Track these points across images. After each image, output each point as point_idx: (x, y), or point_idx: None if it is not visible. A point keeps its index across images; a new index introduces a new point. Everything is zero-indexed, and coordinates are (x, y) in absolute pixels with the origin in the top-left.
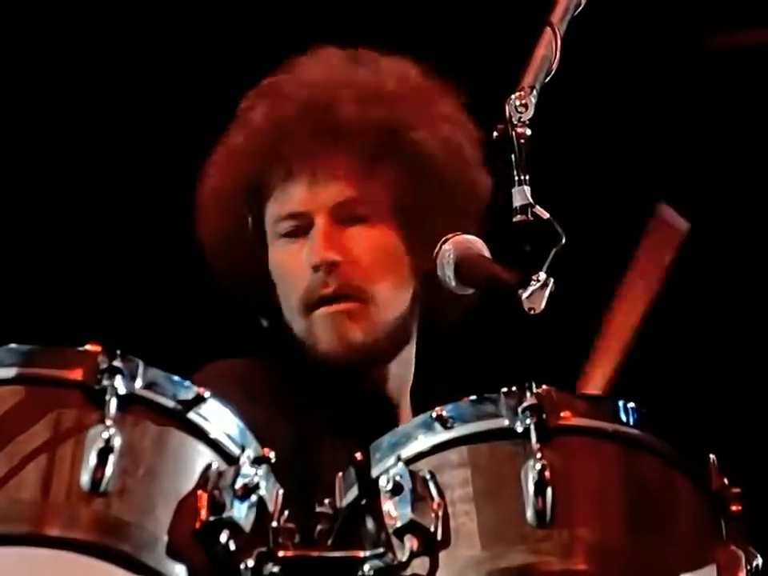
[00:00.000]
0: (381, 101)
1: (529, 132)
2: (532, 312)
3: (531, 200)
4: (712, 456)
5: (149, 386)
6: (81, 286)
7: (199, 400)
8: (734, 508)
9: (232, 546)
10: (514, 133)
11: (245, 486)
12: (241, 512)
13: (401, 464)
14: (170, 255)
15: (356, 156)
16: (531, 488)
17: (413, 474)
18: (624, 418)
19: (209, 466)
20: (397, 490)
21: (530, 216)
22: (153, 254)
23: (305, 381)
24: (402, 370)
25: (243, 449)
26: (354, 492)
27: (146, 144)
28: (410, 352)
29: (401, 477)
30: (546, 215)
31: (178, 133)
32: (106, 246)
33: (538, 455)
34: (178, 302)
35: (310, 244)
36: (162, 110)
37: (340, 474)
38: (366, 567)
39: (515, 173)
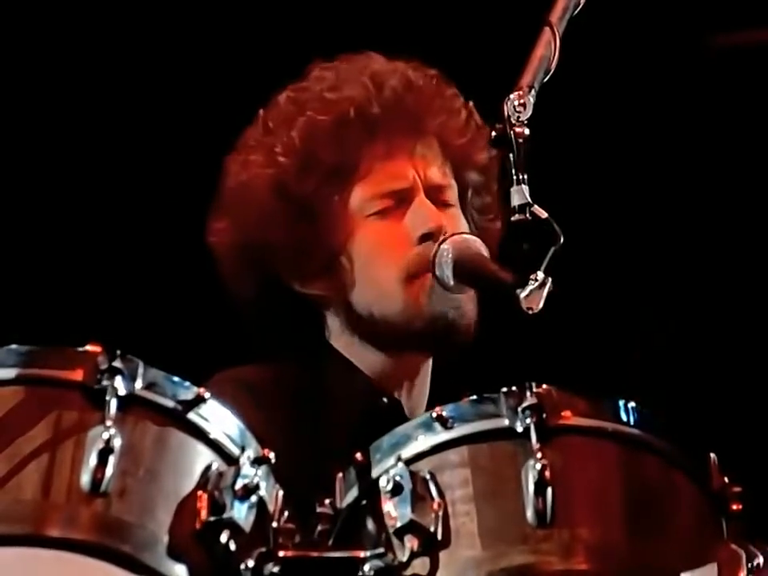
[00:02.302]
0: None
1: (527, 131)
2: (530, 311)
3: (530, 199)
4: (712, 455)
5: (149, 386)
6: (81, 287)
7: (199, 400)
8: (734, 507)
9: (232, 547)
10: (512, 132)
11: (245, 486)
12: (241, 512)
13: (401, 464)
14: (171, 256)
15: (440, 140)
16: (531, 488)
17: (413, 475)
18: (624, 418)
19: (209, 467)
20: (397, 490)
21: (528, 215)
22: (154, 254)
23: (322, 388)
24: (424, 378)
25: (243, 449)
26: (354, 492)
27: (148, 145)
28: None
29: (401, 477)
30: (544, 214)
31: (183, 135)
32: (107, 247)
33: (538, 455)
34: (179, 302)
35: (417, 215)
36: (166, 112)
37: (340, 474)
38: (367, 567)
39: (514, 172)
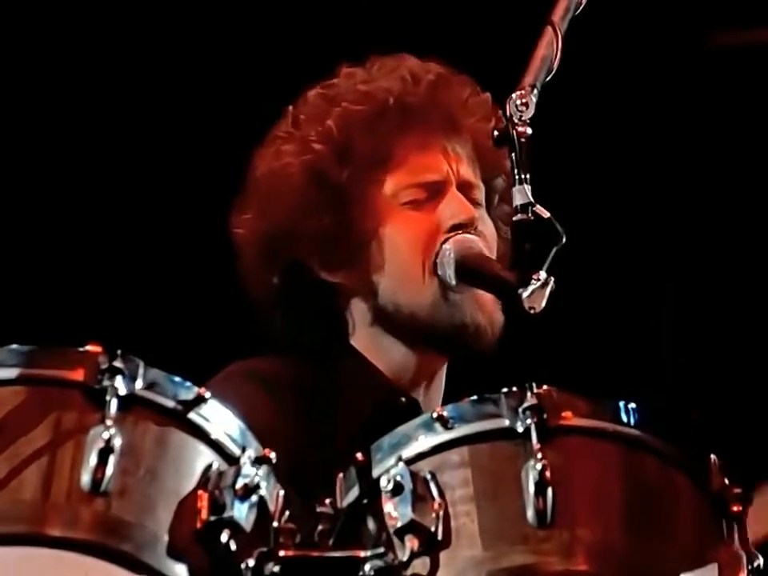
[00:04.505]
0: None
1: (529, 131)
2: (532, 311)
3: (532, 199)
4: (712, 456)
5: (149, 386)
6: (82, 287)
7: (200, 400)
8: (734, 508)
9: (233, 546)
10: (514, 132)
11: (245, 486)
12: (241, 512)
13: (402, 464)
14: (172, 256)
15: (473, 140)
16: (532, 488)
17: (413, 475)
18: (625, 418)
19: (209, 466)
20: (397, 490)
21: (530, 215)
22: (155, 254)
23: (338, 386)
24: (441, 379)
25: (244, 449)
26: (355, 492)
27: (149, 146)
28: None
29: (401, 477)
30: (546, 214)
31: (182, 133)
32: (107, 246)
33: (539, 455)
34: (180, 302)
35: (450, 206)
36: (168, 109)
37: (341, 474)
38: (367, 567)
39: (516, 172)
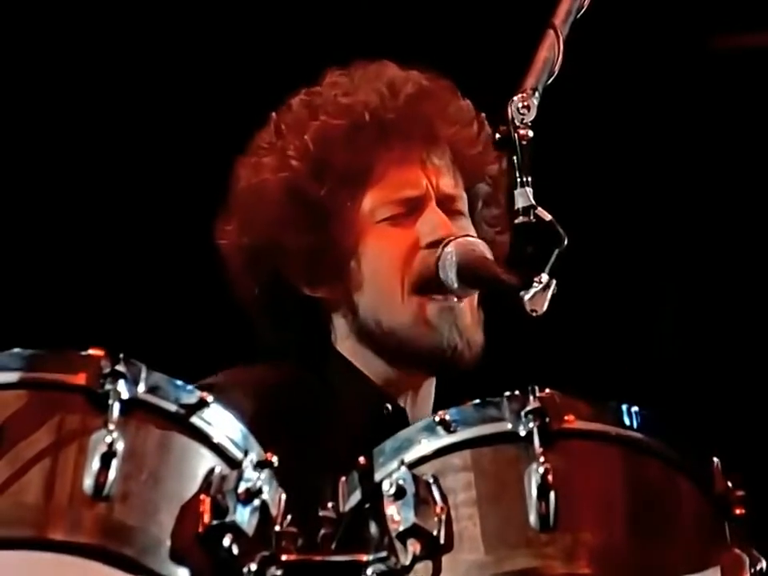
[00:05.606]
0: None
1: (531, 134)
2: (534, 314)
3: (533, 201)
4: (716, 459)
5: (152, 390)
6: (84, 290)
7: (202, 404)
8: (737, 511)
9: (235, 550)
10: (516, 134)
11: (247, 490)
12: (244, 516)
13: (404, 468)
14: (174, 259)
15: (452, 149)
16: (534, 492)
17: (416, 478)
18: (627, 422)
19: (212, 470)
20: (400, 493)
21: (532, 218)
22: (157, 258)
23: (327, 392)
24: (429, 389)
25: (246, 453)
26: (357, 496)
27: (152, 149)
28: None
29: (404, 481)
30: (548, 217)
31: (187, 137)
32: (110, 250)
33: (541, 459)
34: (182, 306)
35: (428, 222)
36: (174, 114)
37: (343, 478)
38: (369, 571)
39: (517, 174)
